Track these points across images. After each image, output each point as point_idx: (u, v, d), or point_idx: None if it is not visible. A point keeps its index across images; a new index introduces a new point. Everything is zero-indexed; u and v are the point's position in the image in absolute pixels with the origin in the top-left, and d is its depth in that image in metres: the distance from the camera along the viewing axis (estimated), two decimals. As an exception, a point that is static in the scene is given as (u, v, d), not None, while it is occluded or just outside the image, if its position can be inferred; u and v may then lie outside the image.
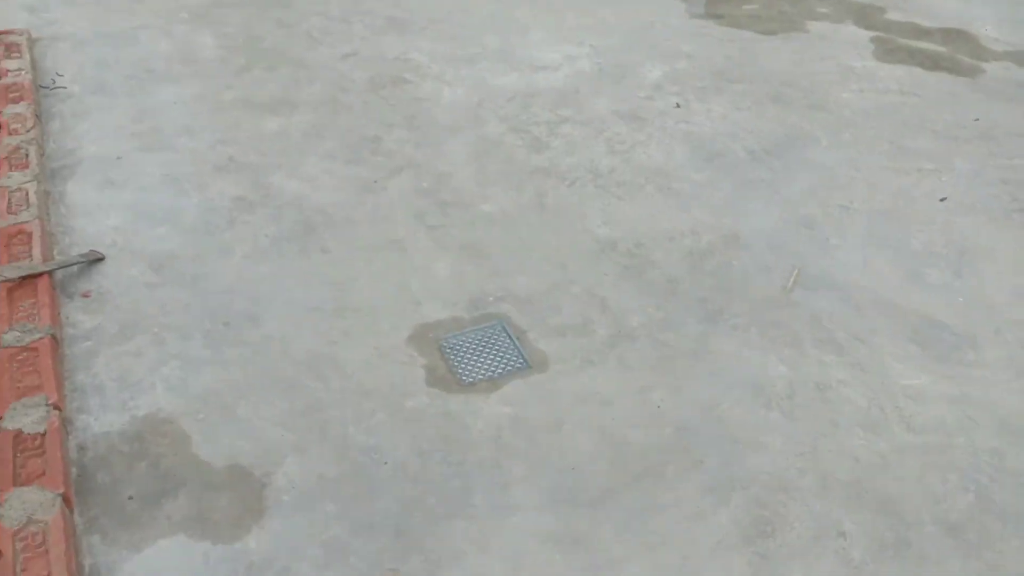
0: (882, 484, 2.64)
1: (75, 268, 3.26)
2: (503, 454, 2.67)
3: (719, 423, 2.81)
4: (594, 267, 3.44)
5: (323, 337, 3.04)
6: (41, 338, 2.83)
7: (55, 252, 3.34)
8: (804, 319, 3.24)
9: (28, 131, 3.90)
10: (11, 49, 4.57)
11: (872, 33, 5.66)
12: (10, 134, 3.87)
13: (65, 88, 4.41)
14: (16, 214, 3.38)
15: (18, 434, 2.51)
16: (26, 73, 4.36)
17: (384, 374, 2.92)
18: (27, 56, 4.53)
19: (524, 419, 2.78)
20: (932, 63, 5.31)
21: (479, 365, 2.96)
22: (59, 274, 3.21)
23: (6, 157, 3.70)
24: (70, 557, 2.21)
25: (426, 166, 4.02)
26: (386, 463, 2.62)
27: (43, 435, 2.52)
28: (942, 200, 4.00)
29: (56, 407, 2.61)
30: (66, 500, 2.37)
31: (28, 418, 2.56)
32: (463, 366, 2.96)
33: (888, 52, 5.42)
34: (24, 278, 3.06)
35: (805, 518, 2.53)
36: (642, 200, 3.85)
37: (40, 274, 3.10)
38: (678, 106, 4.62)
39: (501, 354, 3.01)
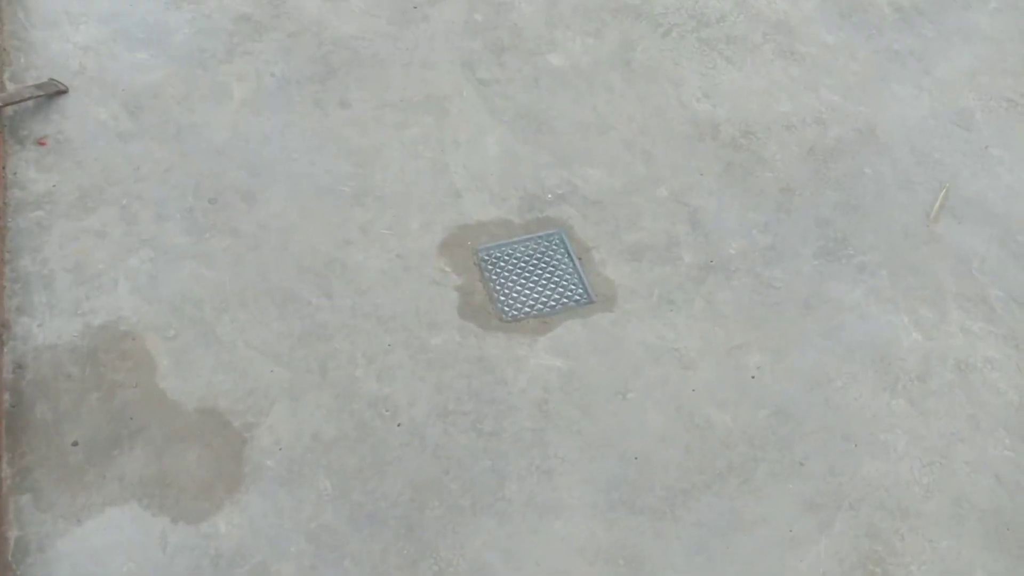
0: (1030, 517, 2.06)
1: (30, 103, 2.57)
2: (549, 426, 2.09)
3: (829, 408, 2.19)
4: (688, 159, 2.68)
5: (335, 233, 2.39)
6: (-26, 208, 2.21)
7: (5, 77, 2.63)
8: (949, 263, 2.52)
9: (-19, -103, 3.03)
10: None
11: None
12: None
13: None
14: (-45, 21, 2.64)
15: (-68, 350, 1.96)
16: None
17: (407, 294, 2.29)
18: None
19: (579, 377, 2.18)
20: None
21: (527, 292, 2.32)
22: (8, 110, 2.53)
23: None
24: (-13, 535, 1.73)
25: (483, -11, 3.14)
26: (400, 425, 2.06)
27: (-34, 352, 1.97)
28: None
29: (-14, 312, 2.04)
30: (-10, 447, 1.86)
31: (-52, 326, 2.00)
32: (506, 292, 2.31)
33: None
34: (-43, 118, 2.39)
35: (927, 559, 1.97)
36: (757, 65, 2.99)
37: (-20, 112, 2.42)
38: (812, -69, 3.57)
39: (557, 278, 2.35)
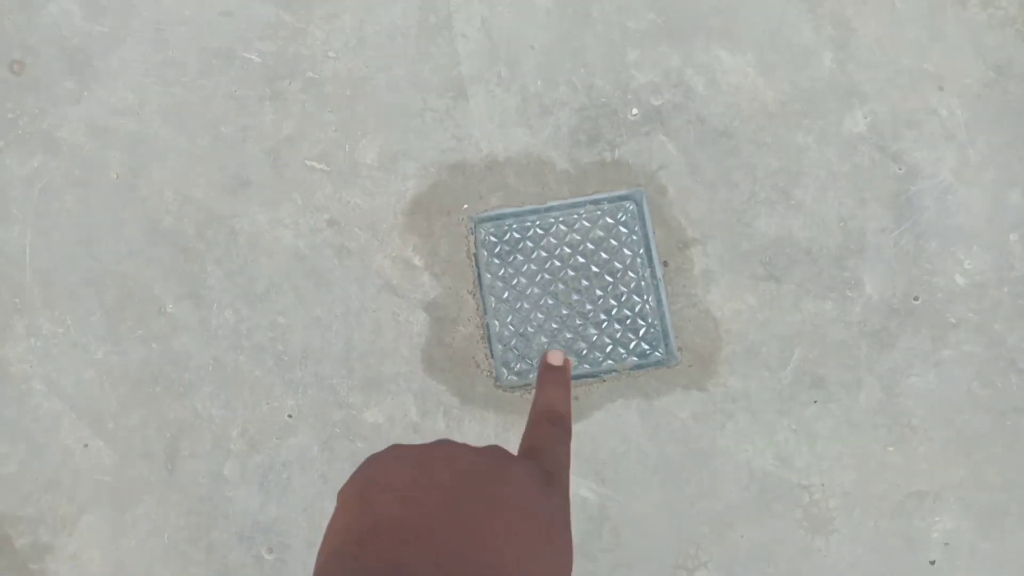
0: None
1: None
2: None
3: (1059, 643, 1.21)
4: (925, 34, 1.37)
5: (223, 159, 1.30)
6: None
7: None
8: None
9: None
10: None
11: None
12: None
13: None
14: None
15: None
16: None
17: (336, 310, 1.27)
18: None
19: (617, 526, 1.22)
20: None
21: (551, 328, 1.27)
22: None
23: None
24: None
25: None
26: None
27: None
28: None
29: None
30: None
31: None
32: (516, 321, 1.27)
33: None
34: None
35: None
36: None
37: None
38: None
39: (614, 301, 1.28)
